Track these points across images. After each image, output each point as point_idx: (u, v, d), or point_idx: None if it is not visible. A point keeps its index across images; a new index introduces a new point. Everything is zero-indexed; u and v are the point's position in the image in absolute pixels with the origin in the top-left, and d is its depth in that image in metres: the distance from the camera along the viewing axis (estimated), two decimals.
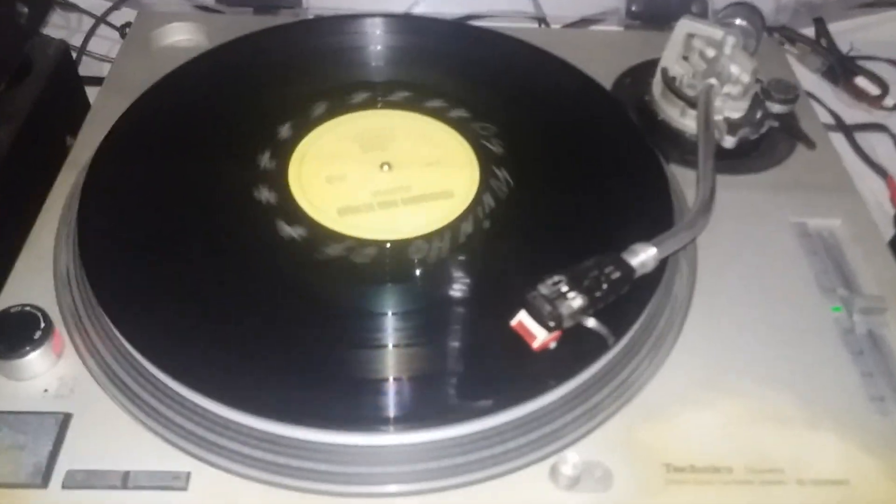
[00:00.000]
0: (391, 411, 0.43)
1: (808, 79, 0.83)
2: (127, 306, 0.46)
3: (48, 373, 0.45)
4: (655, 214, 0.54)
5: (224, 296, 0.48)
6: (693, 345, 0.50)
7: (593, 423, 0.45)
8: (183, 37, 0.72)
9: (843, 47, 0.85)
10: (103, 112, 0.62)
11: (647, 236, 0.52)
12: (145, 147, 0.57)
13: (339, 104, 0.62)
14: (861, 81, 0.84)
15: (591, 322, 0.43)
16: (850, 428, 0.46)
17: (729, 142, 0.61)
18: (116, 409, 0.44)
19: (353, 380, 0.45)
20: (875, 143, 0.79)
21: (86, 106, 0.73)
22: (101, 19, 0.82)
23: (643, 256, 0.47)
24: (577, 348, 0.45)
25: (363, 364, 0.45)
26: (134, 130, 0.58)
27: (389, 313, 0.48)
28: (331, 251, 0.51)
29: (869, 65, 0.84)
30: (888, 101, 0.82)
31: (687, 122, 0.64)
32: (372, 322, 0.48)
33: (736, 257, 0.55)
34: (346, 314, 0.48)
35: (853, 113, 0.83)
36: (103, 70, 0.76)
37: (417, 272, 0.51)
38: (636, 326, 0.48)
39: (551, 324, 0.43)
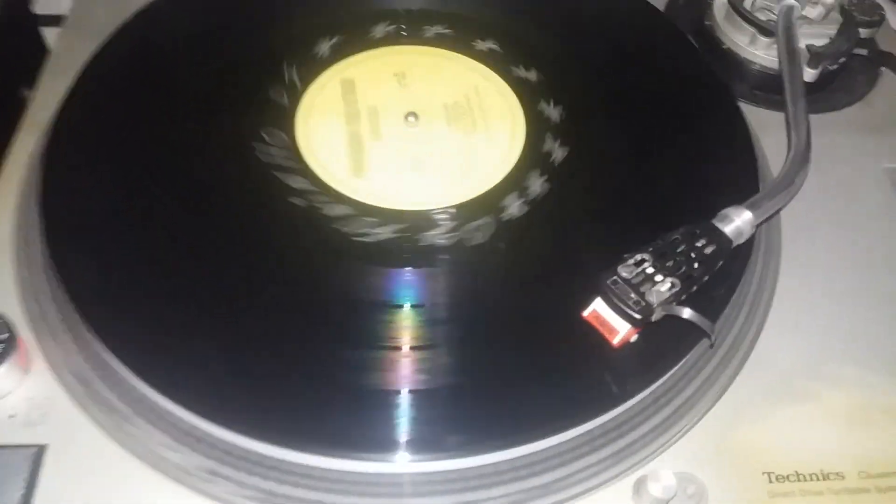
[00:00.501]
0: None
1: None
2: (108, 308, 0.37)
3: (14, 393, 0.37)
4: (736, 167, 0.45)
5: (222, 294, 0.38)
6: (784, 326, 0.42)
7: (678, 430, 0.37)
8: None
9: None
10: (65, 59, 0.52)
11: (729, 194, 0.44)
12: (119, 105, 0.46)
13: (355, 38, 0.52)
14: None
15: (686, 312, 0.35)
16: None
17: (809, 75, 0.52)
18: (100, 436, 0.36)
19: (381, 400, 0.36)
20: None
21: (43, 51, 0.62)
22: None
23: (738, 222, 0.39)
24: (655, 340, 0.37)
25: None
26: (104, 84, 0.47)
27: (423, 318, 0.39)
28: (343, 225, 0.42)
29: None
30: None
31: (758, 51, 0.54)
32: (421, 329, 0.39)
33: (824, 215, 0.47)
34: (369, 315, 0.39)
35: None
36: (62, 6, 0.64)
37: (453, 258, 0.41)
38: (724, 311, 0.40)
39: (638, 316, 0.35)
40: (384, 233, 0.42)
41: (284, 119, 0.47)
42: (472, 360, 0.37)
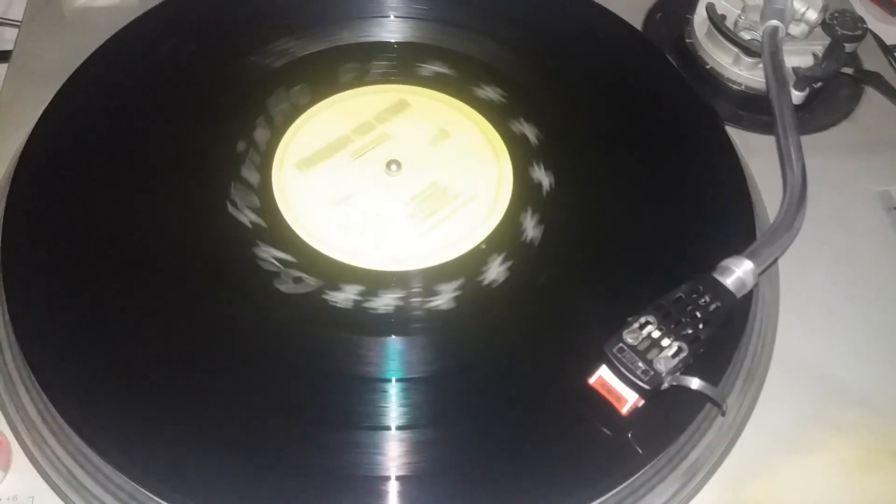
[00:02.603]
0: None
1: None
2: (86, 403, 0.35)
3: None
4: (729, 205, 0.44)
5: (209, 373, 0.37)
6: (787, 371, 0.41)
7: (688, 491, 0.37)
8: None
9: None
10: (14, 107, 0.49)
11: (722, 231, 0.43)
12: (80, 161, 0.43)
13: (325, 82, 0.49)
14: None
15: (695, 383, 0.34)
16: None
17: (796, 97, 0.51)
18: None
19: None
20: None
21: None
22: None
23: (739, 274, 0.38)
24: (660, 404, 0.36)
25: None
26: (60, 139, 0.44)
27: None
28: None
29: None
30: None
31: (741, 71, 0.53)
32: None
33: (820, 248, 0.46)
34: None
35: (888, 30, 0.73)
36: (3, 40, 0.60)
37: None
38: (730, 368, 0.39)
39: (647, 387, 0.34)
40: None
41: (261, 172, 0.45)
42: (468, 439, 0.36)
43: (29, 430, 0.36)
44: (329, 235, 0.43)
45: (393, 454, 0.35)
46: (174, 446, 0.34)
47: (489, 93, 0.50)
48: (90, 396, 0.35)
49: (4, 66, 0.54)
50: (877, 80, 0.53)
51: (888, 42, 0.71)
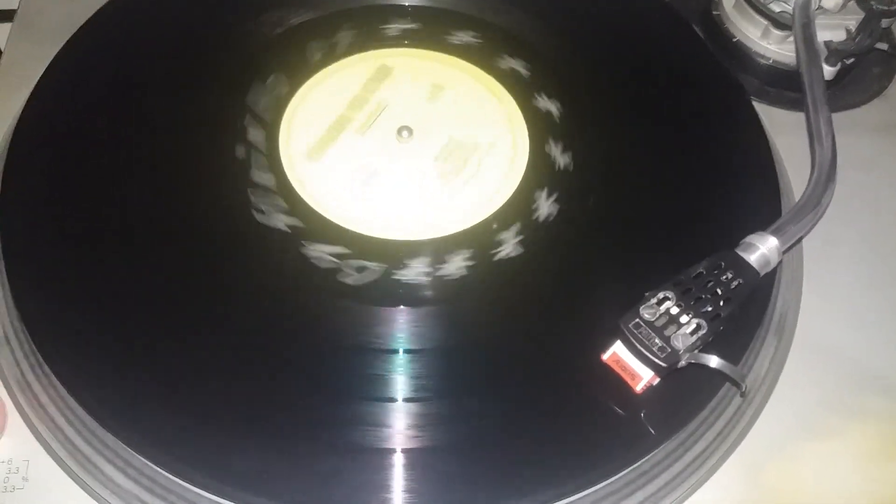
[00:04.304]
0: None
1: None
2: (82, 363, 0.34)
3: None
4: (755, 181, 0.43)
5: (214, 341, 0.35)
6: (808, 354, 0.40)
7: (704, 472, 0.36)
8: None
9: None
10: (15, 68, 0.48)
11: (747, 208, 0.41)
12: (80, 126, 0.42)
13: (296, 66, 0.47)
14: None
15: (714, 361, 0.33)
16: None
17: (827, 73, 0.49)
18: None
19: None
20: None
21: None
22: None
23: (763, 250, 0.36)
24: (677, 383, 0.35)
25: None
26: (60, 104, 0.43)
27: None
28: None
29: None
30: None
31: (770, 45, 0.51)
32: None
33: (846, 229, 0.45)
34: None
35: None
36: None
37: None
38: (751, 347, 0.37)
39: (663, 364, 0.33)
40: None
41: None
42: (479, 414, 0.35)
43: (24, 392, 0.35)
44: (370, 216, 0.41)
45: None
46: (178, 414, 0.33)
47: (465, 37, 0.48)
48: (88, 360, 0.34)
49: (7, 25, 0.53)
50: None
51: None
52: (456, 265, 0.39)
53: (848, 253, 0.44)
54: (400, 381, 0.35)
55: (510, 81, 0.47)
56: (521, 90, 0.46)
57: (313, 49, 0.47)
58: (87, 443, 0.34)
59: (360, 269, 0.39)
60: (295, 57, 0.47)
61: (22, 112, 0.42)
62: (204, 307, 0.36)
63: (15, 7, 0.53)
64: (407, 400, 0.35)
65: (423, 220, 0.41)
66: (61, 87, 0.44)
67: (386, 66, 0.47)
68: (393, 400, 0.35)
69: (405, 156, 0.44)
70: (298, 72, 0.46)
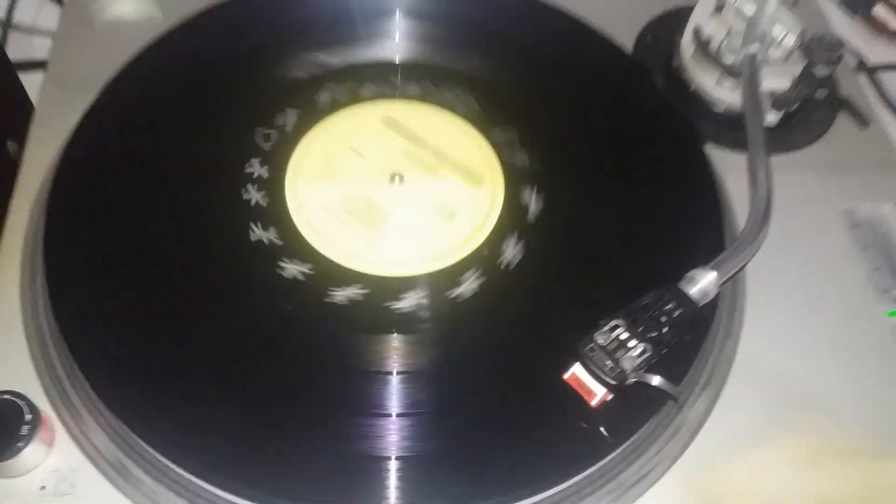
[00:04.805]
0: None
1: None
2: (122, 384, 0.40)
3: (41, 466, 0.39)
4: (702, 221, 0.49)
5: (234, 360, 0.42)
6: (747, 375, 0.45)
7: (648, 482, 0.41)
8: (127, 8, 0.61)
9: None
10: (50, 114, 0.53)
11: (693, 244, 0.47)
12: (115, 169, 0.48)
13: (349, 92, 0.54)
14: (880, 11, 0.77)
15: (655, 380, 0.39)
16: None
17: (770, 119, 0.55)
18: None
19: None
20: None
21: (21, 98, 0.62)
22: None
23: (703, 283, 0.42)
24: (626, 399, 0.40)
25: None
26: (98, 145, 0.49)
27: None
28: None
29: None
30: None
31: (723, 91, 0.57)
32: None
33: (786, 262, 0.50)
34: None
35: (873, 49, 0.77)
36: (36, 50, 0.65)
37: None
38: (693, 368, 0.43)
39: (613, 382, 0.39)
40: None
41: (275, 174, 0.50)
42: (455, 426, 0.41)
43: (70, 411, 0.41)
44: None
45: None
46: (208, 427, 0.39)
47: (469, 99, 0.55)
48: (128, 381, 0.40)
49: (38, 74, 0.58)
50: (845, 105, 0.57)
51: (874, 60, 0.75)
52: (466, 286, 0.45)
53: (788, 284, 0.49)
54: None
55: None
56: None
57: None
58: (130, 459, 0.40)
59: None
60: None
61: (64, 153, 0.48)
62: (228, 337, 0.43)
63: (41, 56, 0.59)
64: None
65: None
66: (98, 133, 0.50)
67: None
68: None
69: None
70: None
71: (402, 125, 0.53)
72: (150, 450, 0.38)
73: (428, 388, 0.42)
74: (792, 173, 0.54)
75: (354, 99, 0.54)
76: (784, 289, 0.49)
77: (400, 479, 0.38)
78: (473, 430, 0.40)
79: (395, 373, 0.42)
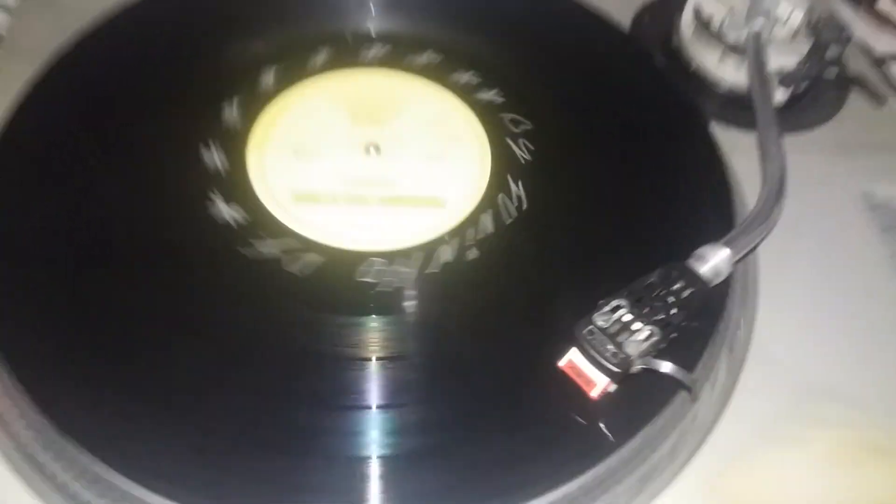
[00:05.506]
0: None
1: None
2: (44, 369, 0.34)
3: None
4: (710, 198, 0.44)
5: (178, 344, 0.36)
6: (764, 364, 0.41)
7: (659, 484, 0.36)
8: None
9: None
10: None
11: (702, 225, 0.43)
12: (55, 143, 0.43)
13: (329, 57, 0.50)
14: (885, 4, 0.74)
15: (665, 366, 0.34)
16: None
17: (779, 96, 0.51)
18: None
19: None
20: None
21: None
22: None
23: (715, 261, 0.38)
24: (632, 389, 0.35)
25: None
26: (39, 121, 0.44)
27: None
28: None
29: None
30: None
31: (726, 70, 0.53)
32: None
33: (801, 245, 0.46)
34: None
35: (878, 40, 0.73)
36: None
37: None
38: (704, 355, 0.38)
39: (616, 370, 0.34)
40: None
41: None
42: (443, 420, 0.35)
43: None
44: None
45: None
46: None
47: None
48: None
49: None
50: (860, 82, 0.53)
51: (881, 51, 0.71)
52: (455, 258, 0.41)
53: (803, 268, 0.45)
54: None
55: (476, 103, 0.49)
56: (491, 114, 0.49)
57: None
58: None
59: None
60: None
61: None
62: (177, 322, 0.37)
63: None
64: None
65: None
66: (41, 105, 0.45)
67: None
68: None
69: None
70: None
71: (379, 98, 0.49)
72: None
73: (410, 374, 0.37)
74: (804, 153, 0.50)
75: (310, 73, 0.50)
76: (800, 273, 0.45)
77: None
78: (447, 431, 0.35)
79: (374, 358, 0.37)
